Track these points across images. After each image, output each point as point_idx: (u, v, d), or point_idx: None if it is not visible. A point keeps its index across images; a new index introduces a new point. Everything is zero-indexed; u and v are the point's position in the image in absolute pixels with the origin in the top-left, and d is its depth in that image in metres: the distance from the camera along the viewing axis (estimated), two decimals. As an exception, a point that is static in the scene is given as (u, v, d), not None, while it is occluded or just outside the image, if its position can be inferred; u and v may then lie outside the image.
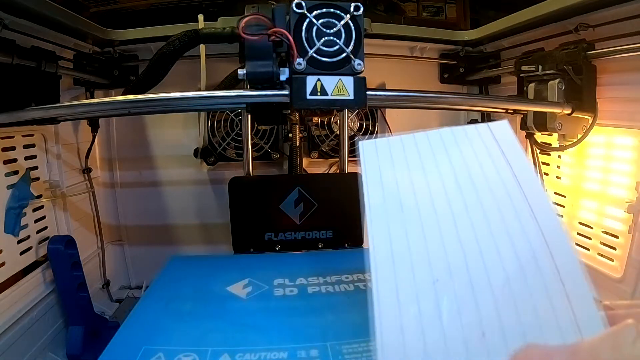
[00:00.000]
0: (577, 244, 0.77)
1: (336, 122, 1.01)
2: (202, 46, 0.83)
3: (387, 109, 1.06)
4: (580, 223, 0.76)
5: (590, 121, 0.70)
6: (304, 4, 0.51)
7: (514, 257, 0.22)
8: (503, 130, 0.29)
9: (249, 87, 0.57)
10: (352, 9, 0.51)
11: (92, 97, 0.92)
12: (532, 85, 0.75)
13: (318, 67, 0.52)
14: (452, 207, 0.26)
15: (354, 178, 0.82)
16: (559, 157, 0.83)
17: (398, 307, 0.22)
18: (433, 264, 0.23)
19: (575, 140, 0.72)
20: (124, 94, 0.71)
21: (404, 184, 0.28)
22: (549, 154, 0.85)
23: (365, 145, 0.31)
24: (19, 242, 0.70)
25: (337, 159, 1.00)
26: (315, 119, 1.01)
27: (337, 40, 0.51)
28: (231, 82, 0.86)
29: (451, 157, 0.28)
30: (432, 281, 0.22)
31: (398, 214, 0.26)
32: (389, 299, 0.22)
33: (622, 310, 0.21)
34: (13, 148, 0.71)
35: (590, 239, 0.74)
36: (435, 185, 0.27)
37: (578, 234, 0.77)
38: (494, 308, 0.21)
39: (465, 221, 0.25)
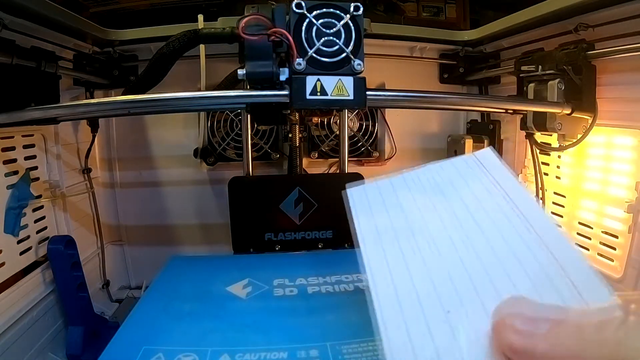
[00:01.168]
0: (577, 244, 0.77)
1: (336, 122, 1.01)
2: (202, 46, 0.83)
3: (387, 109, 1.06)
4: (580, 223, 0.76)
5: (590, 121, 0.70)
6: (303, 4, 0.51)
7: (525, 279, 0.22)
8: (489, 159, 0.29)
9: (248, 87, 0.57)
10: (351, 9, 0.51)
11: (92, 97, 0.92)
12: (531, 85, 0.76)
13: (318, 67, 0.52)
14: (453, 239, 0.25)
15: (354, 178, 0.82)
16: (559, 157, 0.83)
17: (412, 349, 0.20)
18: (441, 296, 0.22)
19: (575, 140, 0.73)
20: (123, 94, 0.71)
21: (399, 223, 0.27)
22: (549, 154, 0.85)
23: (353, 192, 0.30)
24: (19, 242, 0.70)
25: (337, 159, 1.00)
26: (315, 119, 1.00)
27: (337, 41, 0.52)
28: (231, 82, 0.87)
29: (444, 192, 0.28)
30: (444, 312, 0.21)
31: (396, 252, 0.25)
32: (401, 341, 0.21)
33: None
34: (13, 148, 0.71)
35: (590, 239, 0.74)
36: (433, 221, 0.26)
37: (578, 234, 0.77)
38: None
39: (469, 251, 0.24)
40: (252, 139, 0.90)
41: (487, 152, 0.30)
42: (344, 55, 0.52)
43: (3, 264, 0.66)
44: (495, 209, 0.26)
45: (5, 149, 0.69)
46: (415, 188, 0.29)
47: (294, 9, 0.51)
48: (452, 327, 0.21)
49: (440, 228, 0.26)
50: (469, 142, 0.97)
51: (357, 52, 0.52)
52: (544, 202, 0.83)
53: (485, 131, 1.00)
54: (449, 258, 0.24)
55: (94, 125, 0.94)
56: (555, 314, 0.18)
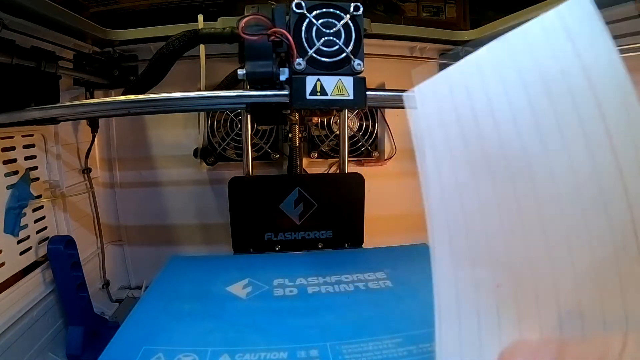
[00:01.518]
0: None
1: (336, 122, 1.01)
2: (202, 46, 0.83)
3: (387, 109, 1.06)
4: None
5: (590, 121, 0.70)
6: (303, 4, 0.51)
7: (589, 260, 0.18)
8: (581, 17, 0.18)
9: (248, 87, 0.57)
10: (351, 9, 0.51)
11: (92, 97, 0.92)
12: (531, 85, 0.75)
13: (318, 67, 0.52)
14: (512, 169, 0.19)
15: (354, 178, 0.82)
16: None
17: (458, 318, 0.19)
18: (495, 260, 0.19)
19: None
20: (123, 94, 0.71)
21: (453, 139, 0.22)
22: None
23: (420, 91, 0.23)
24: (19, 242, 0.70)
25: (337, 159, 1.00)
26: (315, 119, 1.00)
27: (337, 41, 0.51)
28: (231, 82, 0.87)
29: (511, 93, 0.20)
30: (494, 285, 0.19)
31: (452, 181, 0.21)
32: (450, 308, 0.20)
33: None
34: (13, 148, 0.71)
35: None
36: (491, 139, 0.20)
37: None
38: (558, 327, 0.19)
39: (528, 189, 0.19)
40: (252, 139, 0.90)
41: (578, 3, 0.18)
42: (344, 55, 0.52)
43: (3, 264, 0.66)
44: (573, 114, 0.18)
45: (5, 149, 0.69)
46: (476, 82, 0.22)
47: (294, 9, 0.51)
48: (498, 305, 0.19)
49: (498, 148, 0.20)
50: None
51: (357, 52, 0.52)
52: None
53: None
54: (504, 201, 0.19)
55: (94, 125, 0.94)
56: (555, 348, 0.18)
